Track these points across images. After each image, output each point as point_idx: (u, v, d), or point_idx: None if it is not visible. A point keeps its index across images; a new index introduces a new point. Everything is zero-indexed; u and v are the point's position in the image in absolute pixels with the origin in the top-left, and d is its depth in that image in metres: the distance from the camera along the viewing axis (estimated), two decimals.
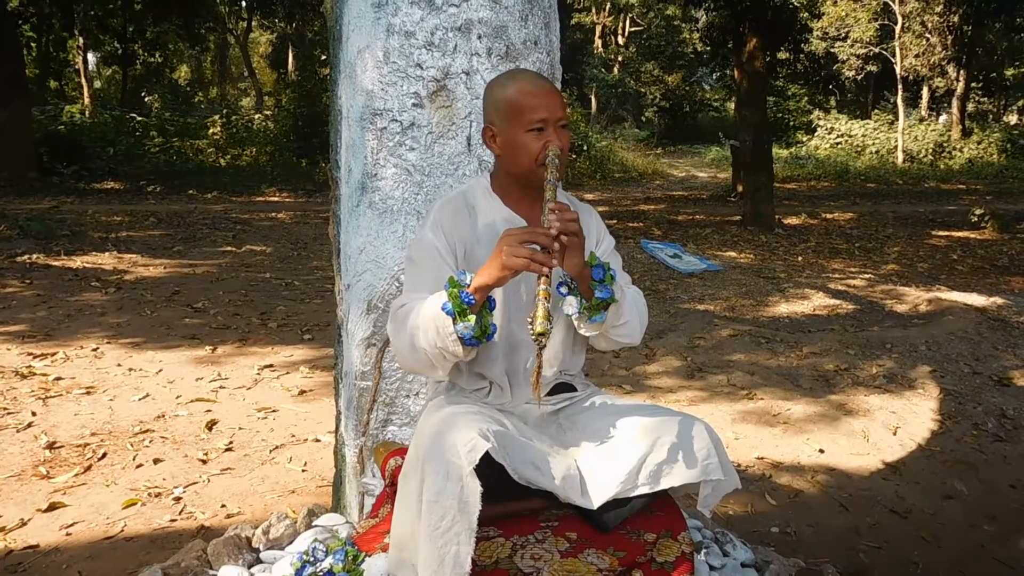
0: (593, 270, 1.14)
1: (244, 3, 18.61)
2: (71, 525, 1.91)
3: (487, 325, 1.09)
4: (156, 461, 2.30)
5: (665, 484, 1.11)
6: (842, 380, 3.26)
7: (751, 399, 3.02)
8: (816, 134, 17.99)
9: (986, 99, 20.49)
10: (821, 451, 2.56)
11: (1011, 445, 2.64)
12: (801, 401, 3.00)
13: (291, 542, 1.60)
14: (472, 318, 1.06)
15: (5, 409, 2.64)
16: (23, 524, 1.91)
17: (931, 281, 5.58)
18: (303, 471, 2.29)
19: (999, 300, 4.57)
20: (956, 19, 15.41)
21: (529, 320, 1.02)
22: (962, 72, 16.56)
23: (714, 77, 20.37)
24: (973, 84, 18.19)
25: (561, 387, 1.30)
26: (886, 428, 2.75)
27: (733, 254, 6.63)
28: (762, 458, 2.49)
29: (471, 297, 1.06)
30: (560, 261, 1.07)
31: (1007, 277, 5.79)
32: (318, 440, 2.49)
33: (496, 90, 1.22)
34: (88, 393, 2.85)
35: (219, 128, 12.66)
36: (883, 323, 4.34)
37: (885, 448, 2.59)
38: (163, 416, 2.65)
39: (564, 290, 1.15)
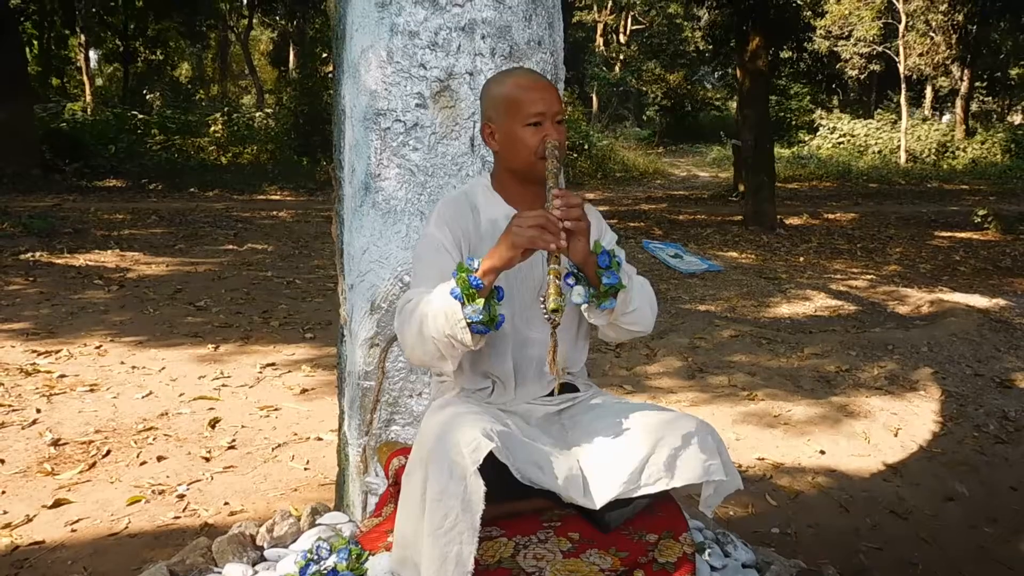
0: (599, 257, 1.15)
1: (245, 0, 18.60)
2: (76, 521, 1.93)
3: (495, 314, 1.09)
4: (160, 458, 2.31)
5: (667, 485, 1.11)
6: (843, 381, 3.26)
7: (752, 400, 3.03)
8: (818, 134, 17.94)
9: (990, 99, 20.43)
10: (822, 452, 2.56)
11: (1012, 447, 2.64)
12: (802, 402, 3.01)
13: (295, 540, 1.61)
14: (480, 302, 1.06)
15: (10, 406, 2.65)
16: (29, 520, 1.92)
17: (933, 282, 5.57)
18: (306, 469, 2.30)
19: (1001, 301, 4.57)
20: (960, 18, 15.37)
21: (541, 299, 1.04)
22: (966, 71, 16.50)
23: (716, 76, 20.32)
24: (977, 83, 18.12)
25: (564, 387, 1.30)
26: (887, 429, 2.76)
27: (734, 254, 6.62)
28: (763, 459, 2.50)
29: (479, 281, 1.06)
30: (565, 249, 1.08)
31: (1010, 278, 5.78)
32: (320, 439, 2.50)
33: (493, 87, 1.24)
34: (92, 390, 2.86)
35: (220, 126, 12.65)
36: (885, 324, 4.34)
37: (886, 449, 2.59)
38: (166, 414, 2.66)
39: (571, 280, 1.16)
